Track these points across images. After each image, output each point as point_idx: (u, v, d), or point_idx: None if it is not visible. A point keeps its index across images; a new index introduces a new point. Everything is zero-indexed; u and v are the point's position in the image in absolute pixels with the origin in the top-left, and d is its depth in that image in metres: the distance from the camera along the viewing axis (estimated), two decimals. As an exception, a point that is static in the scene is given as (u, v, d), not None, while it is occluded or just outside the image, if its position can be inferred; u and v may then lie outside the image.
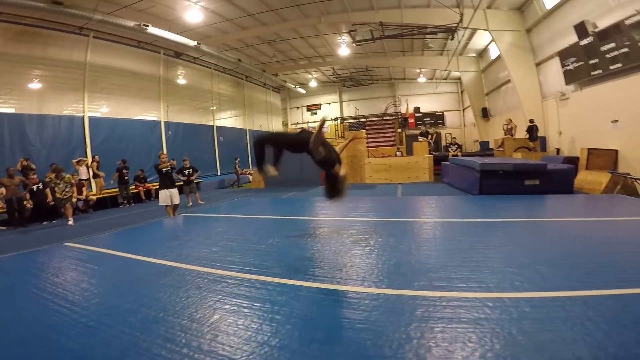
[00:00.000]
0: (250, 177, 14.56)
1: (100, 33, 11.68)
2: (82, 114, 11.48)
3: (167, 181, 7.10)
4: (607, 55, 8.11)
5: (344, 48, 15.47)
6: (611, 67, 8.08)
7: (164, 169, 7.10)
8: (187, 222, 5.77)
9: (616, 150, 8.41)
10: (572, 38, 9.22)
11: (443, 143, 20.98)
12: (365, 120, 23.57)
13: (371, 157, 13.09)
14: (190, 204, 9.16)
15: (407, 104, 23.12)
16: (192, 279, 2.82)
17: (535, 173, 7.21)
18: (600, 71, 8.52)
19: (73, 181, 8.44)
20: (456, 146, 13.95)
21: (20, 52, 10.36)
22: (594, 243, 3.28)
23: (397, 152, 18.01)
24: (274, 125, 24.16)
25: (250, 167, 18.82)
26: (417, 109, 23.27)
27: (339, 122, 23.92)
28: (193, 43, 13.23)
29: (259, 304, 2.23)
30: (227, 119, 19.24)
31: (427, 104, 23.30)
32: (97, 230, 6.58)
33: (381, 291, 2.33)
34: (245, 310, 2.17)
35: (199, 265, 3.14)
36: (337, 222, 4.93)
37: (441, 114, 23.07)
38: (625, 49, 7.55)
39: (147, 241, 4.57)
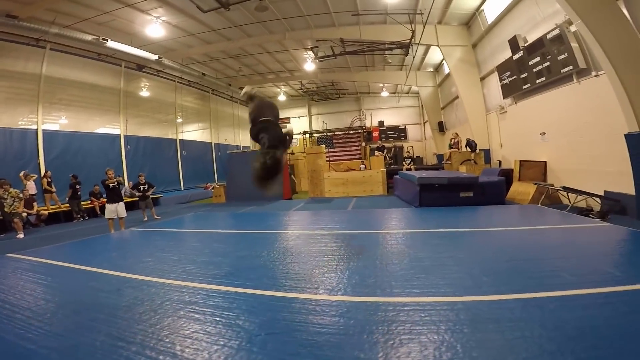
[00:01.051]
0: (213, 191, 14.59)
1: (58, 45, 11.51)
2: (36, 127, 11.19)
3: (114, 196, 7.29)
4: (534, 69, 8.68)
5: (309, 63, 16.09)
6: (537, 81, 8.73)
7: (111, 185, 7.27)
8: (135, 236, 5.91)
9: (545, 162, 9.26)
10: (508, 52, 9.94)
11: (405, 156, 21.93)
12: (332, 133, 24.24)
13: (332, 171, 13.58)
14: (146, 219, 9.17)
15: (371, 118, 24.10)
16: (123, 284, 3.08)
17: (468, 186, 7.90)
18: (529, 85, 9.20)
19: (21, 195, 8.28)
20: (410, 160, 14.73)
21: None
22: (509, 250, 3.69)
23: (362, 166, 18.66)
24: (242, 138, 24.28)
25: (215, 181, 18.84)
26: (381, 123, 24.28)
27: (307, 136, 24.44)
28: (154, 57, 13.31)
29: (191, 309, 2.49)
30: (191, 132, 19.15)
31: (391, 118, 24.39)
32: (43, 243, 6.52)
33: (338, 298, 2.52)
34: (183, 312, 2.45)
35: (130, 273, 3.40)
36: (290, 235, 5.29)
37: (403, 127, 24.17)
38: (547, 63, 8.11)
39: (87, 252, 4.74)
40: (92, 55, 12.98)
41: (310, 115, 26.00)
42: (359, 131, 23.89)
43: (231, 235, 5.65)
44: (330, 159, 20.06)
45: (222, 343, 1.95)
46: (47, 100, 11.61)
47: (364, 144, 23.40)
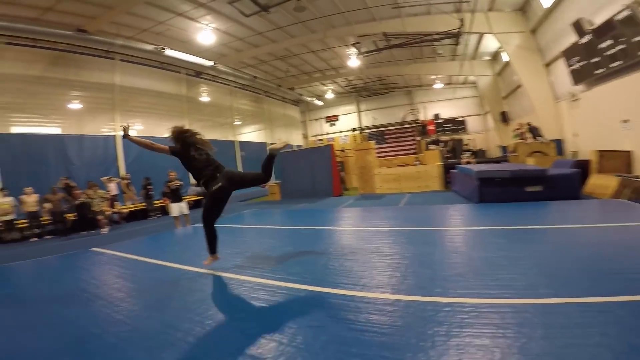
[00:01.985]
0: (269, 189, 15.19)
1: (125, 55, 12.85)
2: (114, 134, 12.71)
3: (176, 196, 7.92)
4: (607, 53, 7.93)
5: (353, 59, 15.96)
6: (612, 65, 7.87)
7: (173, 186, 7.91)
8: (196, 232, 6.44)
9: (629, 152, 8.11)
10: (573, 37, 9.05)
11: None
12: (384, 129, 23.73)
13: (383, 167, 13.31)
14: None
15: (425, 111, 23.09)
16: (181, 276, 3.41)
17: (536, 179, 7.16)
18: (603, 70, 8.29)
19: (106, 196, 9.48)
20: (469, 153, 13.81)
21: (58, 75, 11.80)
22: (578, 249, 3.26)
23: (416, 162, 17.97)
24: (294, 137, 24.94)
25: (270, 179, 19.57)
26: (436, 116, 23.13)
27: (357, 132, 24.26)
28: (210, 63, 14.24)
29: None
30: (248, 134, 20.25)
31: (447, 110, 23.10)
32: (121, 238, 7.41)
33: (392, 297, 2.46)
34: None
35: (188, 266, 3.74)
36: (338, 231, 5.36)
37: (462, 119, 22.76)
38: (622, 46, 7.38)
39: (155, 247, 5.30)
40: (155, 64, 14.31)
41: (359, 112, 25.71)
42: (413, 125, 23.05)
43: (284, 231, 5.84)
44: (383, 154, 19.69)
45: (269, 337, 2.02)
46: (122, 108, 13.12)
47: (418, 138, 22.52)
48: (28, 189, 8.95)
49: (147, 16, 10.82)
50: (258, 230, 6.05)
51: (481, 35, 13.85)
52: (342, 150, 17.33)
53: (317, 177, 12.25)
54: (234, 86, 18.73)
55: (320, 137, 26.31)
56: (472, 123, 22.72)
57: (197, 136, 3.53)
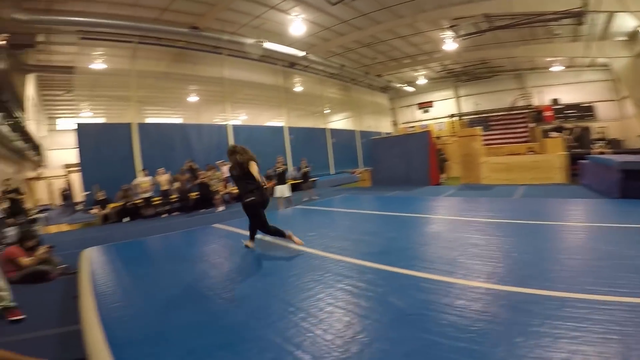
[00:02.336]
0: (359, 176, 15.22)
1: (231, 50, 13.95)
2: (226, 123, 14.17)
3: (281, 179, 8.59)
4: None
5: (450, 43, 14.63)
6: None
7: (279, 170, 8.63)
8: (299, 213, 6.81)
9: None
10: None
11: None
12: (488, 115, 21.42)
13: (491, 156, 12.03)
14: (306, 198, 10.32)
15: (540, 96, 20.00)
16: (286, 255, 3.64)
17: None
18: None
19: (221, 178, 10.63)
20: (602, 142, 11.50)
21: (179, 71, 13.58)
22: None
23: (529, 151, 15.77)
24: (383, 125, 24.38)
25: (360, 166, 19.63)
26: (554, 101, 19.86)
27: (456, 118, 22.41)
28: (302, 53, 14.63)
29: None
30: (338, 122, 20.56)
31: (568, 95, 19.58)
32: (234, 216, 8.26)
33: (491, 286, 2.37)
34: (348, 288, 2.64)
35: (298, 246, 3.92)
36: (441, 220, 5.07)
37: (589, 105, 19.07)
38: None
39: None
40: (255, 57, 14.92)
41: (457, 97, 23.61)
42: (524, 111, 20.24)
43: (381, 217, 5.73)
44: (487, 142, 17.81)
45: (373, 318, 2.06)
46: (230, 99, 14.48)
47: (532, 125, 19.72)
48: (160, 170, 10.55)
49: (244, 11, 11.46)
50: (359, 215, 6.05)
51: (611, 13, 11.25)
52: (438, 138, 16.23)
53: (412, 164, 11.73)
54: (324, 75, 19.04)
55: (412, 124, 25.15)
56: (602, 109, 18.87)
57: (239, 156, 3.86)
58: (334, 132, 19.42)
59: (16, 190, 7.85)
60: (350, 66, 18.43)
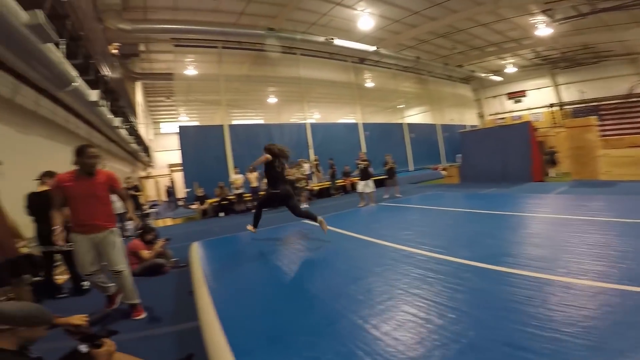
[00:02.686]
0: (444, 173, 14.28)
1: (303, 50, 14.28)
2: (304, 121, 14.52)
3: (364, 174, 8.50)
4: None
5: (543, 29, 12.76)
6: None
7: (361, 165, 8.57)
8: (385, 210, 6.55)
9: None
10: None
11: None
12: (597, 104, 18.39)
13: (609, 148, 10.22)
14: (388, 195, 10.01)
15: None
16: (388, 253, 3.41)
17: None
18: None
19: (306, 175, 10.88)
20: None
21: (260, 73, 14.27)
22: None
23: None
24: (468, 118, 22.59)
25: (442, 162, 18.45)
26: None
27: (556, 109, 19.69)
28: (372, 48, 14.29)
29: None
30: (415, 116, 19.63)
31: None
32: (322, 212, 8.32)
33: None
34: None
35: (393, 243, 3.72)
36: (550, 219, 4.38)
37: None
38: None
39: (354, 222, 5.65)
40: (326, 55, 15.33)
41: (556, 85, 20.71)
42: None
43: (483, 216, 5.06)
44: (601, 134, 15.28)
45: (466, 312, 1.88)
46: (307, 98, 14.78)
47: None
48: (250, 168, 11.20)
49: (312, 9, 11.54)
50: (452, 213, 5.57)
51: None
52: (535, 129, 14.38)
53: (509, 159, 10.57)
54: (397, 69, 18.37)
55: (501, 116, 22.86)
56: None
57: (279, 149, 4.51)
58: (412, 126, 18.57)
59: (135, 187, 9.05)
60: (426, 58, 17.54)
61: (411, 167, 17.52)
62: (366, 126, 16.32)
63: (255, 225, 4.75)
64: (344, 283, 2.71)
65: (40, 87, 5.61)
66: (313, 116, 16.10)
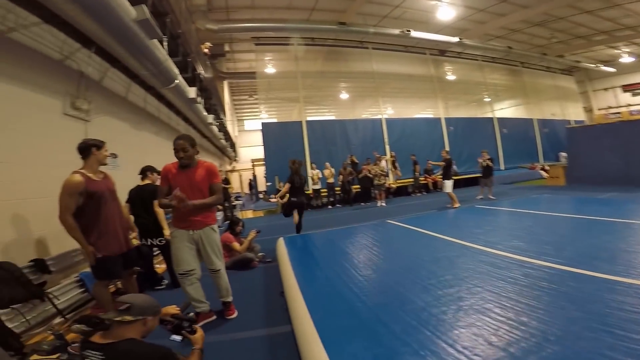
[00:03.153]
0: (544, 174, 12.40)
1: (376, 44, 13.71)
2: (379, 117, 13.94)
3: (450, 173, 7.98)
4: None
5: None
6: None
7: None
8: (484, 213, 5.79)
9: None
10: None
11: None
12: None
13: None
14: (481, 196, 9.02)
15: None
16: (507, 265, 2.86)
17: None
18: None
19: (383, 172, 10.34)
20: None
21: (332, 69, 14.07)
22: None
23: None
24: (572, 112, 19.52)
25: (540, 160, 16.22)
26: None
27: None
28: (455, 39, 13.19)
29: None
30: (506, 109, 17.59)
31: None
32: (403, 212, 7.87)
33: None
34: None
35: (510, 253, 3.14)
36: None
37: None
38: None
39: (449, 225, 5.12)
40: (401, 49, 14.54)
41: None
42: None
43: (612, 226, 4.07)
44: None
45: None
46: (381, 92, 14.14)
47: None
48: (327, 164, 11.12)
49: (383, 2, 11.01)
50: (570, 221, 4.68)
51: None
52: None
53: (635, 158, 8.72)
54: (483, 60, 16.67)
55: (615, 110, 19.35)
56: None
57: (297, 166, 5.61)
58: (503, 121, 16.63)
59: (226, 180, 9.64)
60: (519, 48, 15.73)
61: (502, 165, 15.72)
62: (450, 121, 15.08)
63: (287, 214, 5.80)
64: (451, 293, 2.31)
65: (148, 84, 6.15)
66: (387, 111, 15.32)
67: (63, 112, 4.07)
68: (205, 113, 8.77)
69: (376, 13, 11.86)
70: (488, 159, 8.93)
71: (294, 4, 10.92)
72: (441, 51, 15.63)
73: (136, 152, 6.02)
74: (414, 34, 12.46)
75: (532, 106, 18.18)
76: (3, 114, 3.12)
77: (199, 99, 7.41)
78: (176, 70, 5.75)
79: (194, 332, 1.70)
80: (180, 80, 6.08)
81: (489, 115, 16.70)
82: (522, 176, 13.71)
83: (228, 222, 5.05)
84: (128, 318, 1.43)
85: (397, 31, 12.32)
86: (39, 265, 2.90)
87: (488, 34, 14.32)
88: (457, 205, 7.64)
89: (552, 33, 14.28)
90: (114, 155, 4.81)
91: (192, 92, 6.86)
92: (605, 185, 8.66)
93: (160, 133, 7.77)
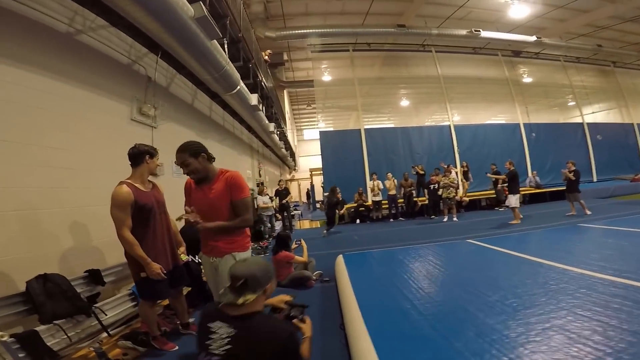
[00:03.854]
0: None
1: (439, 46, 12.77)
2: (447, 123, 12.77)
3: (517, 186, 7.44)
4: None
5: None
6: None
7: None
8: (595, 234, 4.68)
9: None
10: None
11: None
12: None
13: None
14: (573, 212, 7.61)
15: None
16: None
17: None
18: None
19: (454, 184, 9.12)
20: None
21: (391, 74, 13.29)
22: None
23: None
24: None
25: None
26: None
27: None
28: (532, 39, 11.93)
29: None
30: (595, 114, 15.20)
31: None
32: (480, 229, 6.87)
33: None
34: None
35: None
36: None
37: None
38: None
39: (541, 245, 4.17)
40: (468, 51, 13.40)
41: None
42: None
43: None
44: None
45: None
46: (448, 97, 13.00)
47: None
48: (389, 174, 10.35)
49: (445, 2, 10.34)
50: None
51: None
52: None
53: None
54: (566, 60, 14.72)
55: None
56: None
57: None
58: (595, 126, 14.34)
59: (286, 190, 9.46)
60: (610, 46, 13.90)
61: (594, 177, 13.48)
62: (531, 127, 13.35)
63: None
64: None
65: (213, 92, 6.15)
66: (454, 117, 13.99)
67: (130, 118, 4.07)
68: (266, 121, 8.71)
69: (437, 14, 11.18)
70: (573, 171, 7.60)
71: (347, 9, 10.70)
72: (515, 52, 14.21)
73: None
74: (485, 34, 11.44)
75: (631, 110, 15.53)
76: (72, 117, 3.10)
77: (260, 106, 7.31)
78: (238, 76, 5.65)
79: (303, 321, 1.69)
80: (242, 86, 6.00)
81: (577, 120, 14.54)
82: (622, 189, 11.55)
83: (276, 239, 4.59)
84: (250, 297, 1.37)
85: (464, 32, 11.43)
86: (94, 275, 2.77)
87: (570, 32, 12.93)
88: (517, 221, 7.08)
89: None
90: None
91: (253, 99, 6.77)
92: None
93: (224, 141, 7.82)
